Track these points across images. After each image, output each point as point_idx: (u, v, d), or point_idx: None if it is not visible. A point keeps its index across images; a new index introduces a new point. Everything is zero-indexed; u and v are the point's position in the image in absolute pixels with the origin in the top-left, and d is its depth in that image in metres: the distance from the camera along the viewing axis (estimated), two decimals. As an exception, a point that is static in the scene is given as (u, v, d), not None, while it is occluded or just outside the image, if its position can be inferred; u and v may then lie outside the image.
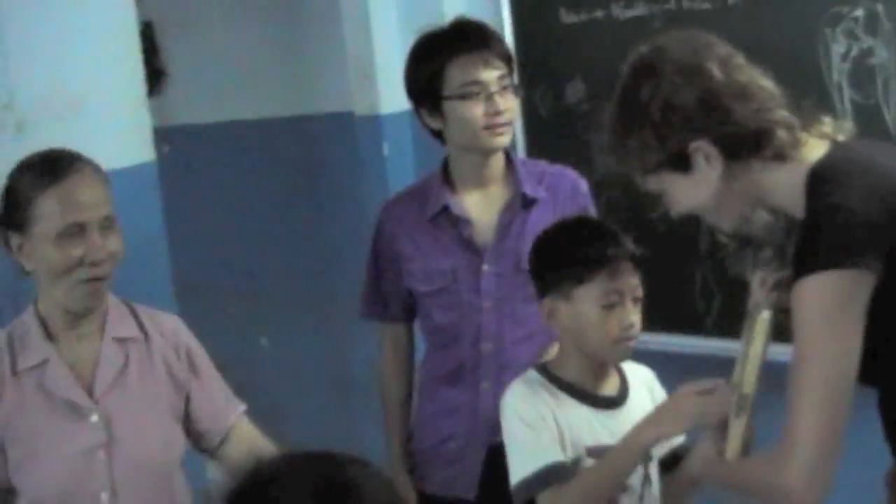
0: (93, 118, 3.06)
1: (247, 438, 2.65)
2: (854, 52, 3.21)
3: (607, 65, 3.73)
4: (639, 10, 3.64)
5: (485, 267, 2.85)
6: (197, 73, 5.48)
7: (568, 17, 3.84)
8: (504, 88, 2.78)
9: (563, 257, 2.41)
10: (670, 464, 2.42)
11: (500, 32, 3.98)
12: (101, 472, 2.42)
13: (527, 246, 2.66)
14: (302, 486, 1.50)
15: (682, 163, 2.10)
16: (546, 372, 2.46)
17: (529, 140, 4.03)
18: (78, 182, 2.38)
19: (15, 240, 2.41)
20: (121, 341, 2.51)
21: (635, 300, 2.39)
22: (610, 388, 2.45)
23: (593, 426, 2.40)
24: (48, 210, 2.35)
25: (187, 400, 2.60)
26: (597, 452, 2.37)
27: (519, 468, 2.38)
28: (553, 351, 2.64)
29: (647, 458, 2.36)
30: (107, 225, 2.40)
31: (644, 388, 2.47)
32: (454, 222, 2.86)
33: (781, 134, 2.07)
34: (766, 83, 2.13)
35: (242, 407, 2.70)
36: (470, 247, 2.85)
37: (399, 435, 3.06)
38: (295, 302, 5.33)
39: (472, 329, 2.88)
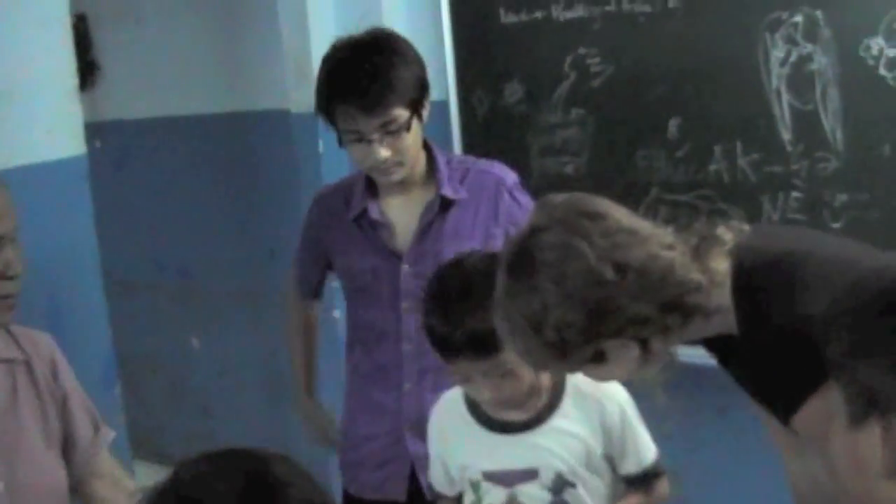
0: (22, 109, 2.99)
1: (110, 473, 2.46)
2: (793, 58, 3.22)
3: (546, 66, 3.78)
4: (579, 12, 3.63)
5: (405, 267, 2.83)
6: (131, 67, 5.41)
7: (507, 18, 3.82)
8: (389, 133, 2.68)
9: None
10: (640, 479, 2.42)
11: (439, 32, 3.98)
12: None
13: (445, 247, 2.73)
14: (227, 485, 1.45)
15: (595, 358, 1.92)
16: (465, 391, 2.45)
17: (466, 140, 4.02)
18: None
19: None
20: (5, 363, 2.30)
21: (493, 376, 2.27)
22: (525, 412, 2.38)
23: (493, 451, 2.40)
24: None
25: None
26: (494, 477, 2.38)
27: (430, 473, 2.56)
28: None
29: (562, 484, 2.35)
30: (14, 237, 2.22)
31: (581, 412, 2.38)
32: (373, 226, 2.86)
33: (689, 300, 1.88)
34: (658, 249, 1.88)
35: (112, 435, 2.50)
36: (386, 250, 2.84)
37: (302, 358, 3.20)
38: (227, 300, 5.29)
39: (392, 329, 2.87)
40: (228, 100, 5.01)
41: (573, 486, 2.35)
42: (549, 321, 1.85)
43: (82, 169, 3.20)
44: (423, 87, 2.75)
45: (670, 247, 1.89)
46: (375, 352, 2.92)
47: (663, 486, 2.45)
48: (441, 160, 2.86)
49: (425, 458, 2.60)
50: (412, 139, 2.73)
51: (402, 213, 2.87)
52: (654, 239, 1.89)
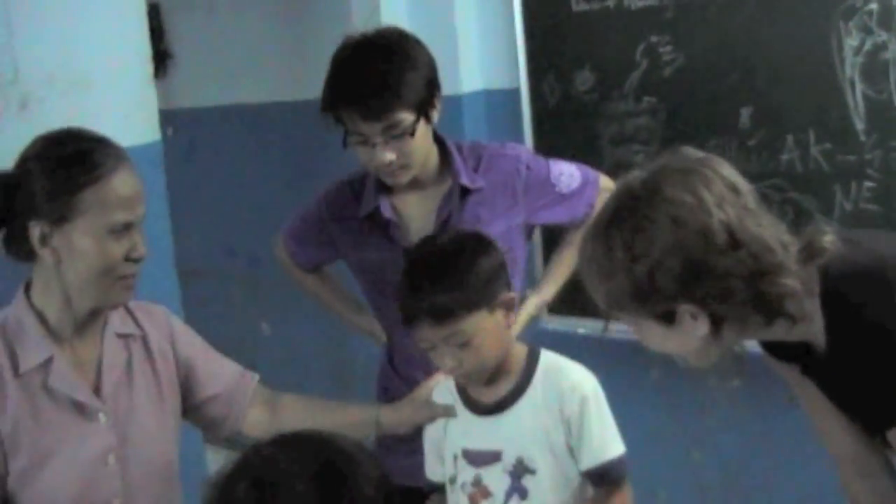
0: (99, 96, 3.03)
1: (262, 399, 2.62)
2: (867, 47, 3.19)
3: (617, 54, 3.77)
4: (650, 0, 3.62)
5: None
6: (202, 56, 5.46)
7: (579, 6, 3.82)
8: (393, 137, 2.65)
9: None
10: (598, 478, 2.38)
11: (510, 20, 3.98)
12: (114, 478, 2.29)
13: None
14: (299, 465, 1.54)
15: (664, 317, 1.90)
16: None
17: (537, 129, 4.02)
18: (125, 176, 2.23)
19: (40, 229, 2.19)
20: (122, 338, 2.37)
21: (452, 345, 2.31)
22: (495, 394, 2.41)
23: (470, 430, 2.43)
24: (96, 205, 2.18)
25: (189, 390, 2.50)
26: (468, 455, 2.41)
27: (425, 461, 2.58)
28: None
29: (522, 470, 2.35)
30: (141, 221, 2.27)
31: (545, 401, 2.37)
32: (386, 224, 2.82)
33: (781, 305, 1.87)
34: (775, 244, 1.87)
35: (256, 377, 2.64)
36: (400, 246, 2.79)
37: (329, 294, 3.26)
38: (296, 288, 5.32)
39: None
40: (298, 88, 5.03)
41: (533, 472, 2.35)
42: (648, 258, 1.83)
43: (157, 155, 3.23)
44: (430, 88, 2.69)
45: (785, 246, 1.87)
46: (394, 337, 2.93)
47: (622, 500, 2.40)
48: (454, 151, 2.83)
49: None
50: (419, 141, 2.69)
51: (417, 208, 2.84)
52: (774, 232, 1.87)
